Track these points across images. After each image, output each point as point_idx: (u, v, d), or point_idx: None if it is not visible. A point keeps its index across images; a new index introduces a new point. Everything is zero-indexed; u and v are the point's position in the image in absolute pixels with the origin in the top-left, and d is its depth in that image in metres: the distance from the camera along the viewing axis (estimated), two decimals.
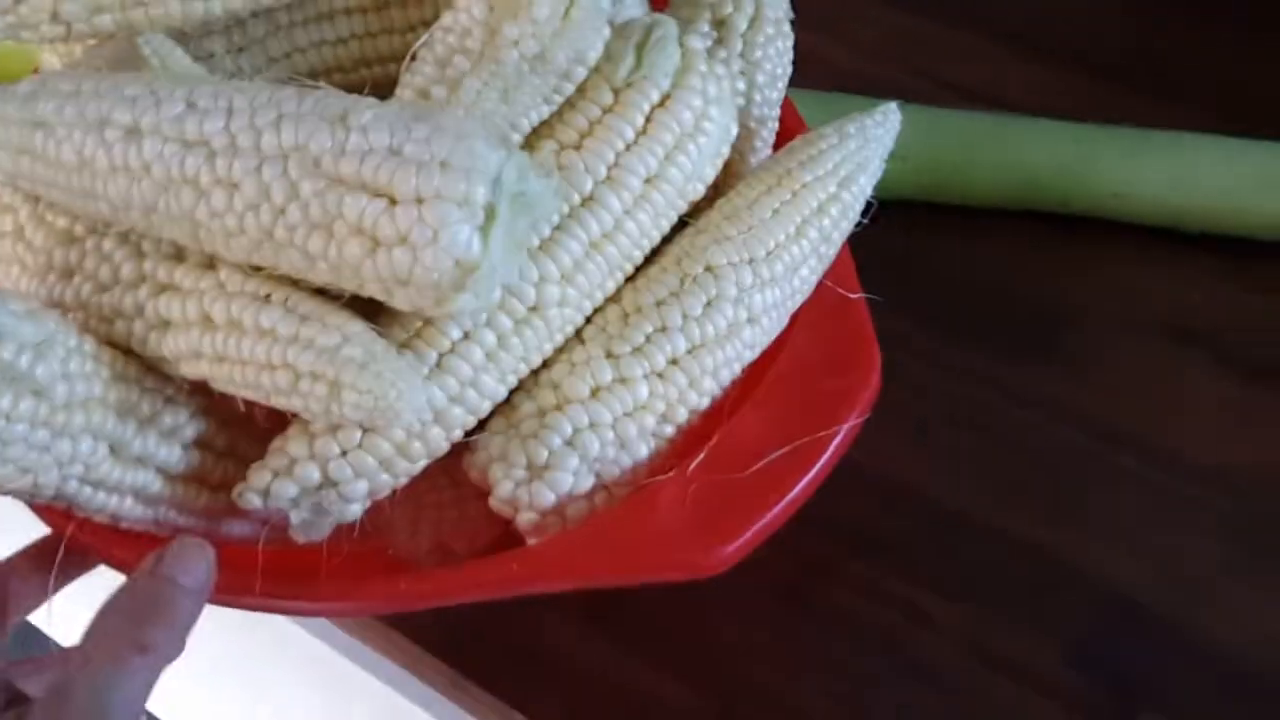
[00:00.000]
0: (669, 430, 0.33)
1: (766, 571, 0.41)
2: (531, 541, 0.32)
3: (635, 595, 0.40)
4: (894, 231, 0.49)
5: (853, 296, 0.36)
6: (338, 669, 0.45)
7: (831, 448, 0.32)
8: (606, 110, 0.33)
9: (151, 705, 0.27)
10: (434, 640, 0.39)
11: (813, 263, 0.35)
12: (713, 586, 0.40)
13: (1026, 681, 0.38)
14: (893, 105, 0.37)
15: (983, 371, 0.46)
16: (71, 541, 0.31)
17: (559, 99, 0.33)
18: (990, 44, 0.58)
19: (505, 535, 0.35)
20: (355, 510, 0.31)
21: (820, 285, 0.35)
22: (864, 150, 0.35)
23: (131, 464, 0.31)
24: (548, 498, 0.32)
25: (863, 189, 0.36)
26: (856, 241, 0.37)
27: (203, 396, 0.33)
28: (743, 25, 0.38)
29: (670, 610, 0.40)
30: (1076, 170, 0.49)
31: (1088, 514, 0.42)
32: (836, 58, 0.57)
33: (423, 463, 0.32)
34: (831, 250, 0.35)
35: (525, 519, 0.32)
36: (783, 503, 0.31)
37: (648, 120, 0.33)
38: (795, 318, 0.35)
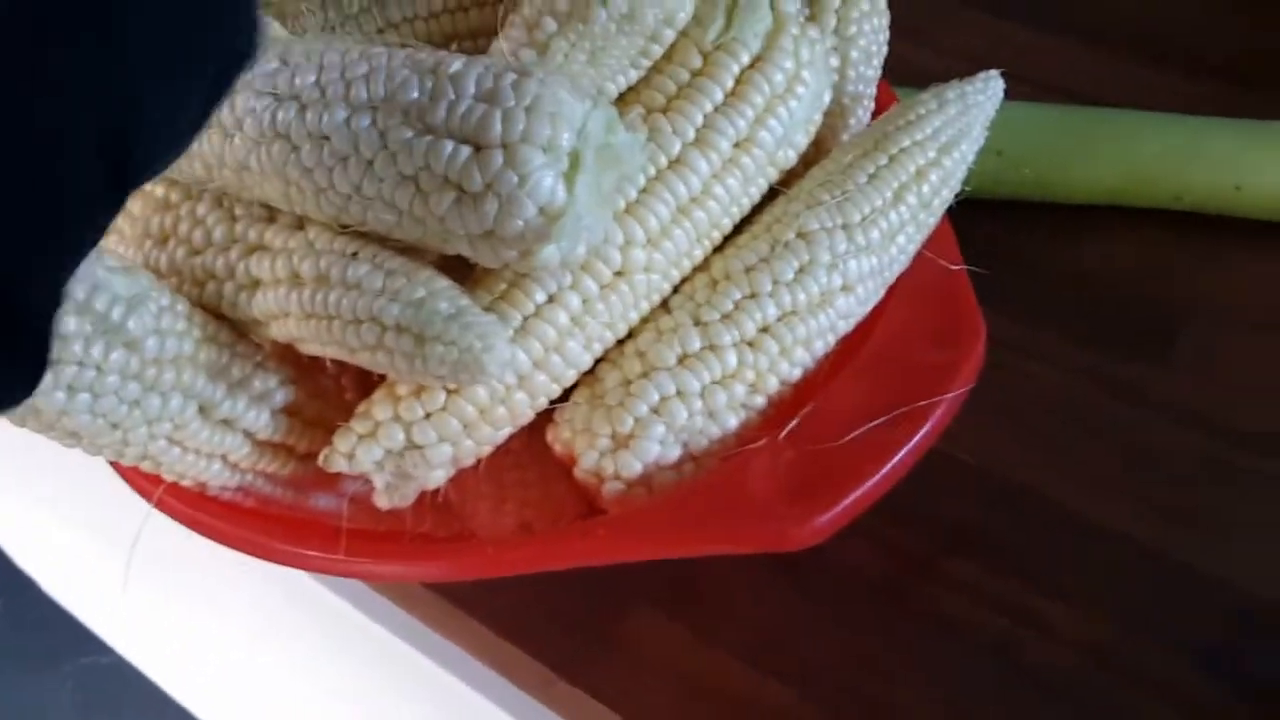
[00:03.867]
0: (759, 401, 0.32)
1: (865, 569, 0.39)
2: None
3: (723, 588, 0.39)
4: (997, 230, 0.48)
5: (954, 268, 0.34)
6: (394, 650, 0.44)
7: (933, 419, 0.30)
8: (695, 73, 0.32)
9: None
10: (512, 626, 0.38)
11: (911, 230, 0.33)
12: (806, 581, 0.39)
13: (1148, 689, 0.35)
14: (994, 73, 0.36)
15: (1095, 370, 0.44)
16: (159, 504, 0.32)
17: (646, 63, 0.32)
18: (1085, 46, 0.57)
19: (588, 515, 0.34)
20: (439, 476, 0.31)
21: (920, 256, 0.34)
22: (965, 116, 0.34)
23: (220, 426, 0.31)
24: (634, 467, 0.31)
25: (964, 156, 0.34)
26: (957, 235, 0.36)
27: (292, 367, 0.33)
28: (836, 1, 0.37)
29: (761, 604, 0.38)
30: (1191, 163, 0.47)
31: (1208, 517, 0.39)
32: (926, 62, 0.55)
33: (506, 430, 0.31)
34: (931, 219, 0.34)
35: (611, 489, 0.31)
36: (880, 474, 0.30)
37: (737, 82, 0.32)
38: (893, 289, 0.34)
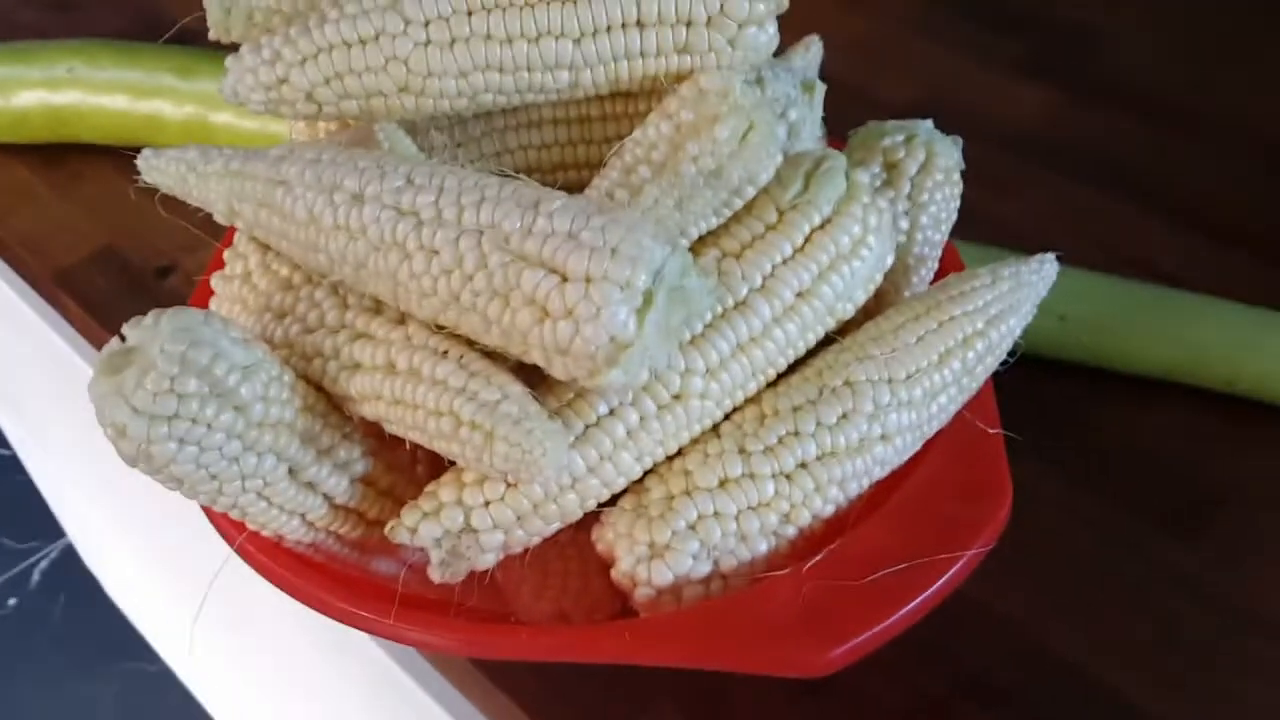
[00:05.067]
0: (790, 531, 0.34)
1: (881, 699, 0.40)
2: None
3: (743, 698, 0.41)
4: (1054, 391, 0.50)
5: (991, 431, 0.36)
6: (421, 705, 0.46)
7: (952, 571, 0.32)
8: (770, 227, 0.36)
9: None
10: (535, 703, 0.40)
11: (952, 392, 0.36)
12: (825, 703, 0.40)
13: None
14: (1050, 255, 0.38)
15: (1131, 538, 0.45)
16: (240, 549, 0.35)
17: (728, 213, 0.36)
18: (1153, 216, 0.59)
19: (623, 614, 0.37)
20: (489, 559, 0.34)
21: (959, 416, 0.36)
22: (1016, 293, 0.37)
23: (304, 487, 0.34)
24: (665, 576, 0.33)
25: (1011, 330, 0.37)
26: (1012, 394, 0.38)
27: (374, 440, 0.37)
28: (912, 170, 0.40)
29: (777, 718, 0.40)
30: (1246, 351, 0.48)
31: (1221, 696, 0.40)
32: (1007, 217, 0.59)
33: (555, 525, 0.34)
34: (973, 384, 0.36)
35: (642, 594, 0.34)
36: (896, 616, 0.32)
37: (807, 240, 0.35)
38: (931, 444, 0.36)
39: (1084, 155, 0.64)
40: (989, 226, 0.52)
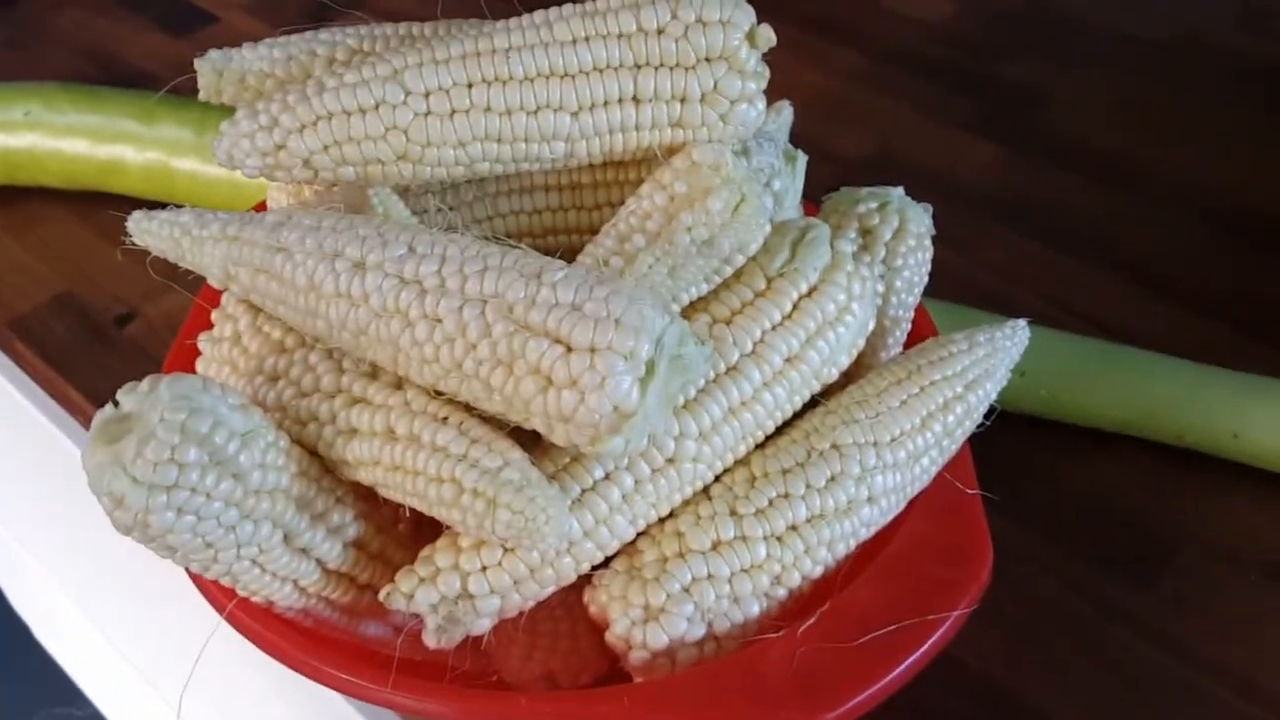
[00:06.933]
0: (781, 593, 0.35)
1: None
2: (639, 680, 0.34)
3: None
4: (1015, 442, 0.51)
5: (970, 492, 0.37)
6: None
7: (939, 632, 0.34)
8: (759, 294, 0.37)
9: None
10: None
11: (934, 454, 0.37)
12: None
13: None
14: (1022, 322, 0.40)
15: (1089, 586, 0.47)
16: (230, 616, 0.35)
17: (718, 279, 0.37)
18: (1112, 276, 0.62)
19: (610, 675, 0.37)
20: (485, 624, 0.34)
21: (939, 477, 0.38)
22: (992, 359, 0.38)
23: (298, 553, 0.34)
24: (660, 639, 0.34)
25: (988, 394, 0.38)
26: (978, 446, 0.40)
27: (364, 502, 0.36)
28: (887, 235, 0.42)
29: None
30: (1194, 407, 0.50)
31: None
32: (972, 275, 0.61)
33: (550, 589, 0.35)
34: (953, 446, 0.38)
35: (636, 657, 0.34)
36: (887, 678, 0.33)
37: (795, 307, 0.37)
38: (913, 504, 0.37)
39: (1032, 211, 0.66)
40: (955, 284, 0.54)
